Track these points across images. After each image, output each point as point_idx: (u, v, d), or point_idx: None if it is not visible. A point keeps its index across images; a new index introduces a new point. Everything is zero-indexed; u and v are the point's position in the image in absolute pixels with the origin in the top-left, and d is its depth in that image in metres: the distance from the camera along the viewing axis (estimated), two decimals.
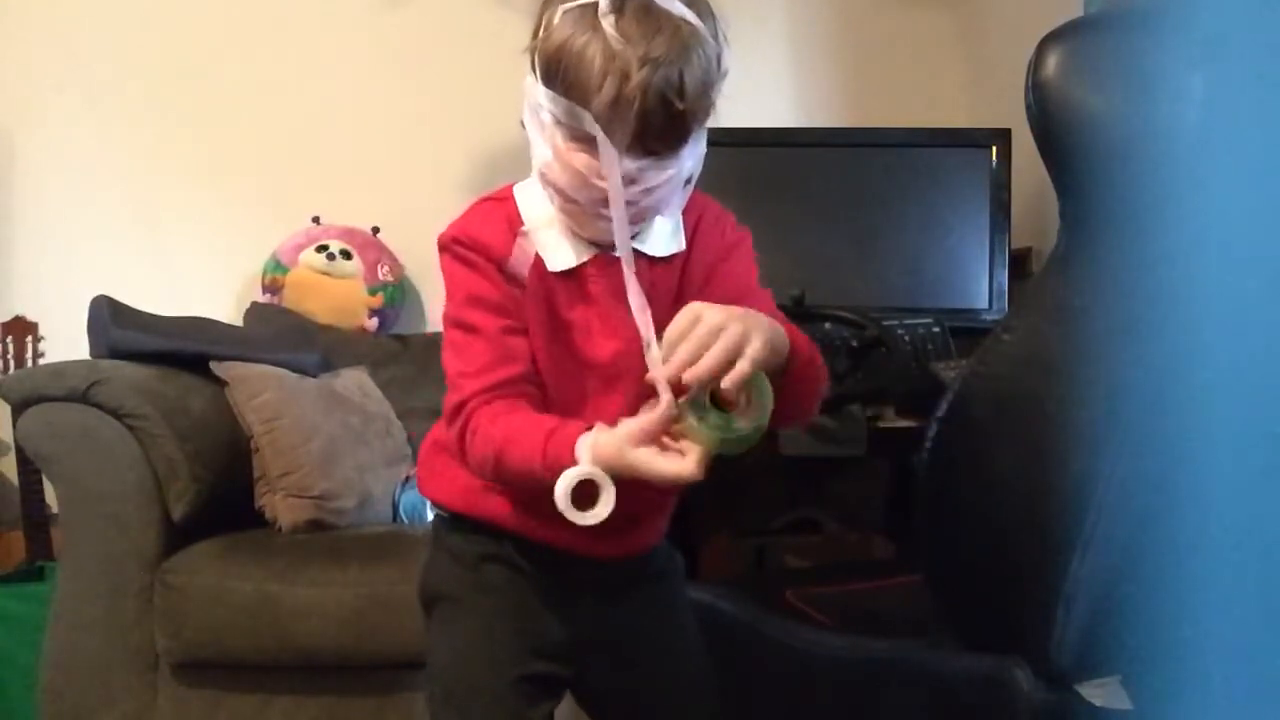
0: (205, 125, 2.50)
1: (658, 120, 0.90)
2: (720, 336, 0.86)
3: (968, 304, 2.06)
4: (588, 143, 0.91)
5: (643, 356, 0.97)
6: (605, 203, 0.92)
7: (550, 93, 0.92)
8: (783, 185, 2.12)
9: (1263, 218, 0.91)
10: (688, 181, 0.98)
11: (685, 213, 1.04)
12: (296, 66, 2.53)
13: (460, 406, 0.97)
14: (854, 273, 2.10)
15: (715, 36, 0.94)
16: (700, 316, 0.87)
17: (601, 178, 0.91)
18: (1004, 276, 2.06)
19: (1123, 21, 1.04)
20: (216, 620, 1.68)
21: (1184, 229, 0.93)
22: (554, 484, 0.88)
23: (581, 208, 0.95)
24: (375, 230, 2.46)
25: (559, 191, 0.95)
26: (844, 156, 2.16)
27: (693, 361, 0.86)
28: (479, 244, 0.99)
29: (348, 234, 2.41)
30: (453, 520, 1.09)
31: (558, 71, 0.91)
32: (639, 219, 0.98)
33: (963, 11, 2.56)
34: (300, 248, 2.38)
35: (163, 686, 1.72)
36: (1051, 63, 1.00)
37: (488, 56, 2.63)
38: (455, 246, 1.00)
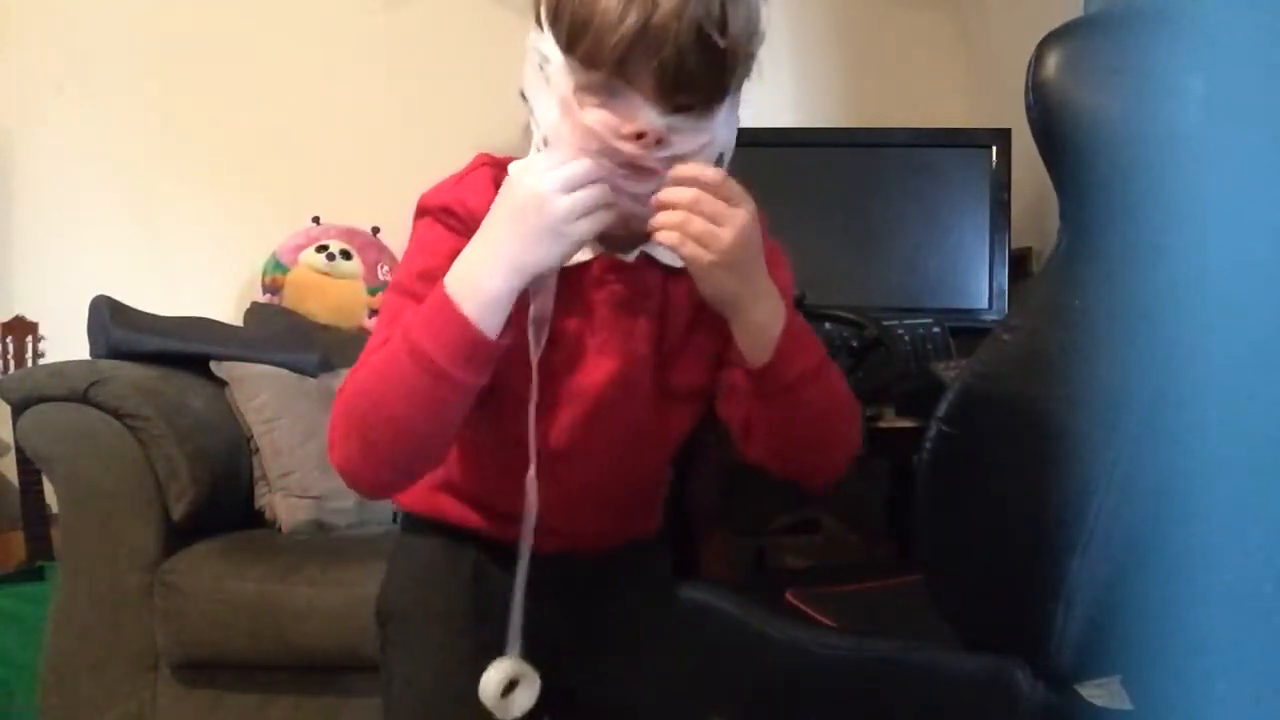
0: (205, 125, 2.50)
1: (692, 58, 0.74)
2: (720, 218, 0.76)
3: (968, 304, 2.06)
4: (604, 94, 0.77)
5: (640, 386, 0.86)
6: (626, 170, 0.77)
7: (559, 36, 0.78)
8: (783, 185, 2.12)
9: (1263, 217, 0.91)
10: (718, 162, 0.83)
11: None
12: (296, 66, 2.53)
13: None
14: (854, 273, 2.09)
15: None
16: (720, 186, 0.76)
17: (622, 136, 0.76)
18: (1004, 276, 2.06)
19: (1123, 21, 1.04)
20: (216, 620, 1.67)
21: (1184, 229, 0.93)
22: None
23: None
24: (375, 230, 2.46)
25: None
26: (844, 156, 2.16)
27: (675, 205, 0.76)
28: (474, 216, 0.81)
29: (348, 234, 2.41)
30: (411, 521, 1.02)
31: (570, 7, 0.77)
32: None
33: (963, 11, 2.56)
34: (300, 248, 2.38)
35: (163, 686, 1.72)
36: (1051, 63, 1.00)
37: (488, 57, 2.64)
38: (442, 214, 0.85)
